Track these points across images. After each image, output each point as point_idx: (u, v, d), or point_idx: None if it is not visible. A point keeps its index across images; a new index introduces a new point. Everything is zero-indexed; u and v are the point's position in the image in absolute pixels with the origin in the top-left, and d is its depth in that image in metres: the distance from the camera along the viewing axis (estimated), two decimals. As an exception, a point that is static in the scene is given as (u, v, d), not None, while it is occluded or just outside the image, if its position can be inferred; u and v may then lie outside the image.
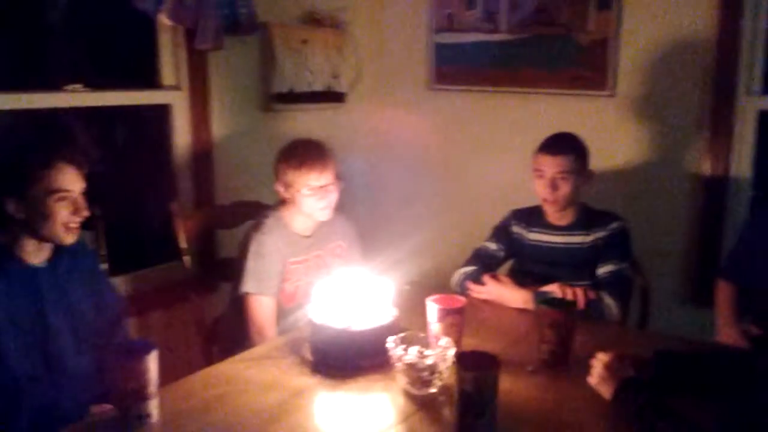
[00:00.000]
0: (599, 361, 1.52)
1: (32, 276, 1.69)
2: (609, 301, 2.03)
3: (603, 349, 1.59)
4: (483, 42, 3.14)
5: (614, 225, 2.21)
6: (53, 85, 2.45)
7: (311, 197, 2.14)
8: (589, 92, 2.88)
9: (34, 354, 1.67)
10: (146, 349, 1.39)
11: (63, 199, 1.65)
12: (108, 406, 1.53)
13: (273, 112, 3.00)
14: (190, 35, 2.59)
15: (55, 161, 1.64)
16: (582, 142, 2.24)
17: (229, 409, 1.49)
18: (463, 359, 1.38)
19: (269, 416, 1.46)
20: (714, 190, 2.65)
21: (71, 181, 1.67)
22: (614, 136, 2.85)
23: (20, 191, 1.62)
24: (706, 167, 2.66)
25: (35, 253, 1.70)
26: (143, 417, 1.40)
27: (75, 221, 1.68)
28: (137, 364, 1.38)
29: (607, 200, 2.43)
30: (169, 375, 1.54)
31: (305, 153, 2.16)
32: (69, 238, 1.69)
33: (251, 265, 2.14)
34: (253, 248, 2.16)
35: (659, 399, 1.34)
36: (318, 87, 3.16)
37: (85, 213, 1.70)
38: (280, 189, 2.20)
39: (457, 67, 3.24)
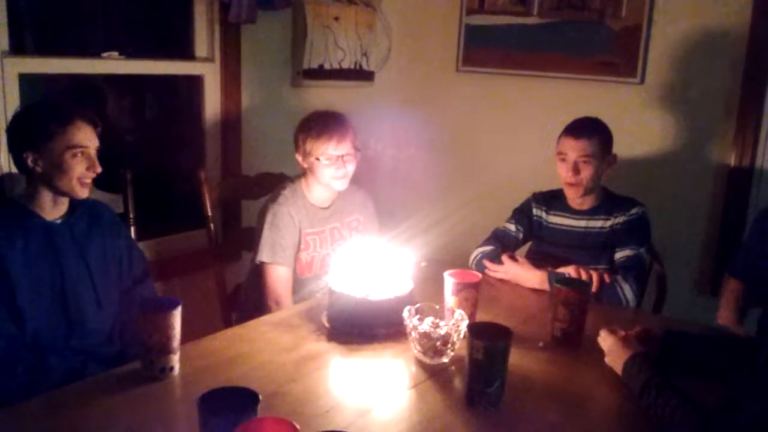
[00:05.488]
0: (610, 337, 1.55)
1: (49, 232, 1.76)
2: (624, 285, 2.04)
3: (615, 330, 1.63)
4: (514, 25, 3.14)
5: (634, 210, 2.22)
6: (90, 51, 2.52)
7: (329, 167, 2.18)
8: (618, 79, 2.88)
9: (53, 310, 1.74)
10: (172, 305, 1.46)
11: (79, 154, 1.73)
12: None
13: (302, 87, 3.04)
14: (225, 8, 2.63)
15: (74, 119, 1.73)
16: (606, 127, 2.25)
17: (247, 368, 1.54)
18: (476, 329, 1.42)
19: (286, 376, 1.51)
20: (738, 181, 2.64)
21: (87, 138, 1.75)
22: (641, 123, 2.84)
23: (39, 145, 1.70)
24: (732, 158, 2.65)
25: (52, 210, 1.78)
26: (166, 369, 1.46)
27: (89, 176, 1.76)
28: (163, 318, 1.43)
29: (631, 187, 2.44)
30: (188, 339, 1.60)
31: (324, 122, 2.19)
32: (82, 193, 1.77)
33: (266, 234, 2.19)
34: (268, 218, 2.20)
35: (664, 376, 1.37)
36: (347, 64, 3.19)
37: (98, 169, 1.78)
38: (299, 158, 2.24)
39: (486, 50, 3.24)
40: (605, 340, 1.57)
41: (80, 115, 1.75)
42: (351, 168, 2.22)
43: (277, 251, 2.19)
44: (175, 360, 1.48)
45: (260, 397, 1.15)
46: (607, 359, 1.56)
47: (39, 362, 1.68)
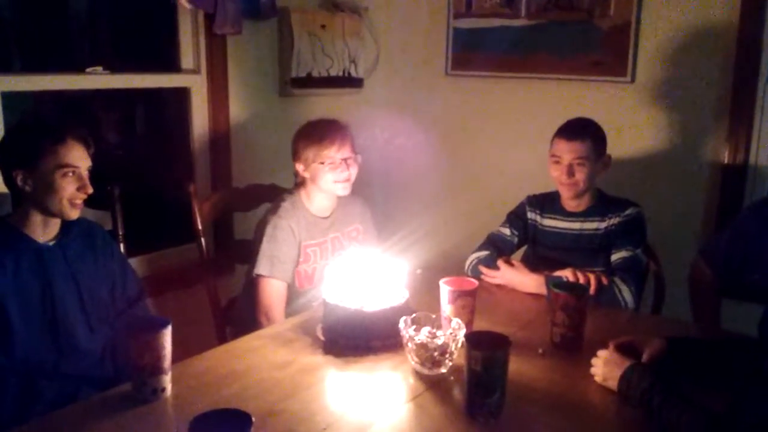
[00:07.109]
0: (604, 351, 1.52)
1: (40, 254, 1.72)
2: (623, 287, 2.02)
3: (614, 335, 1.60)
4: (502, 27, 3.12)
5: (629, 211, 2.20)
6: (75, 67, 2.49)
7: (332, 170, 2.16)
8: (609, 78, 2.86)
9: (42, 334, 1.70)
10: (161, 325, 1.42)
11: (69, 174, 1.69)
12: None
13: (290, 96, 3.02)
14: (210, 19, 2.61)
15: (65, 138, 1.69)
16: (599, 128, 2.23)
17: (240, 386, 1.51)
18: (474, 339, 1.39)
19: (281, 393, 1.48)
20: (732, 179, 2.62)
21: (79, 158, 1.71)
22: (633, 122, 2.82)
23: (29, 164, 1.66)
24: (725, 155, 2.63)
25: (43, 232, 1.74)
26: (158, 391, 1.43)
27: (80, 197, 1.73)
28: (153, 338, 1.40)
29: (625, 187, 2.42)
30: (182, 356, 1.57)
31: (324, 128, 2.19)
32: (73, 213, 1.74)
33: (265, 247, 2.16)
34: (268, 231, 2.17)
35: (665, 382, 1.34)
36: (336, 72, 3.17)
37: (89, 190, 1.74)
38: (300, 167, 2.22)
39: (475, 53, 3.22)
40: (599, 357, 1.53)
41: (72, 134, 1.71)
42: (354, 171, 2.21)
43: (275, 265, 2.16)
44: (167, 381, 1.44)
45: (253, 419, 1.12)
46: (602, 371, 1.50)
47: (29, 387, 1.64)
